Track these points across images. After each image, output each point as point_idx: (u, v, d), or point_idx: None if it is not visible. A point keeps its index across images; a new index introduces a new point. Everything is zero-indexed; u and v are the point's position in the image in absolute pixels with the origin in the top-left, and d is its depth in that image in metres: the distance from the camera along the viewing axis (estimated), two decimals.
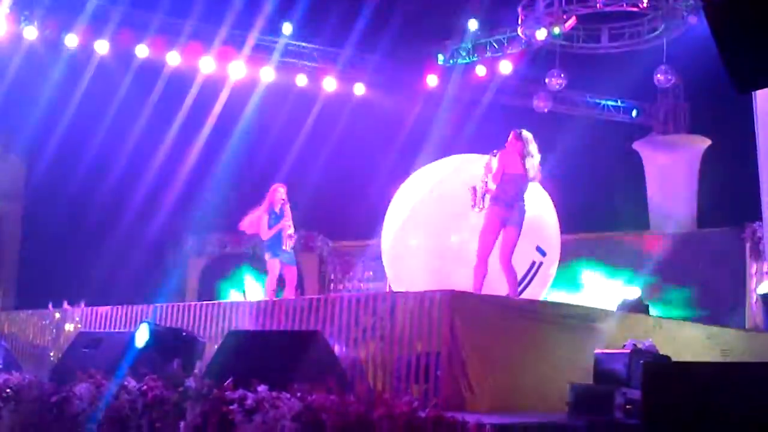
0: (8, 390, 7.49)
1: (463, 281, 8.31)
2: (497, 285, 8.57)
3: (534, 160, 8.75)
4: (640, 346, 6.26)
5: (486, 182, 8.75)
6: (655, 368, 4.10)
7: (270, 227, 11.03)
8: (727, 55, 3.79)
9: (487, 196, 8.70)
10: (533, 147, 8.81)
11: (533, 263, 9.39)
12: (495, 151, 8.78)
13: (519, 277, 8.85)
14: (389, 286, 10.98)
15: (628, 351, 6.17)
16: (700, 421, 3.64)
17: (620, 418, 5.65)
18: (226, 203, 16.43)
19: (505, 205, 8.54)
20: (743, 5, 3.82)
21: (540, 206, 9.55)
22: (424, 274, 9.39)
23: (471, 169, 9.34)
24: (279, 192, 11.16)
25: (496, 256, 8.57)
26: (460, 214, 9.15)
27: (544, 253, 9.48)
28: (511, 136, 8.85)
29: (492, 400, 6.56)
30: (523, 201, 8.65)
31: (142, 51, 15.50)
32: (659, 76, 15.52)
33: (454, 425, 5.12)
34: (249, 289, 13.43)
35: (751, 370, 4.00)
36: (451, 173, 9.93)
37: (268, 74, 16.50)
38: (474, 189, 8.79)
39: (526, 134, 8.83)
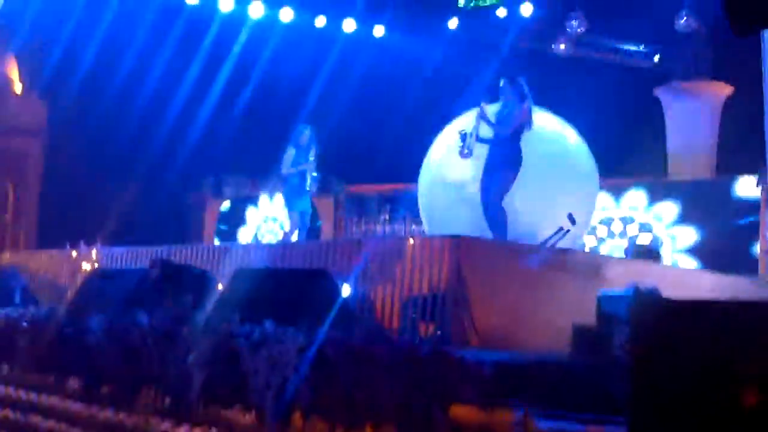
0: (24, 323, 7.68)
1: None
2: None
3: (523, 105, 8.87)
4: (641, 286, 6.31)
5: (476, 129, 8.86)
6: (643, 303, 4.15)
7: (293, 165, 11.16)
8: None
9: (475, 143, 8.81)
10: (522, 90, 8.91)
11: (560, 228, 9.27)
12: (483, 103, 8.91)
13: (543, 237, 8.95)
14: (409, 231, 11.12)
15: (629, 291, 6.22)
16: (687, 357, 3.69)
17: (619, 356, 5.71)
18: (246, 144, 16.52)
19: (499, 143, 8.70)
20: None
21: (587, 174, 9.56)
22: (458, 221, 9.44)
23: None
24: (304, 135, 11.27)
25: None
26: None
27: (574, 222, 9.38)
28: (502, 83, 9.00)
29: (496, 340, 6.68)
30: (518, 143, 8.76)
31: None
32: (681, 21, 15.35)
33: (453, 361, 5.21)
34: (264, 232, 13.54)
35: (743, 308, 4.02)
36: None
37: (287, 14, 16.43)
38: (464, 134, 8.88)
39: (515, 80, 8.92)
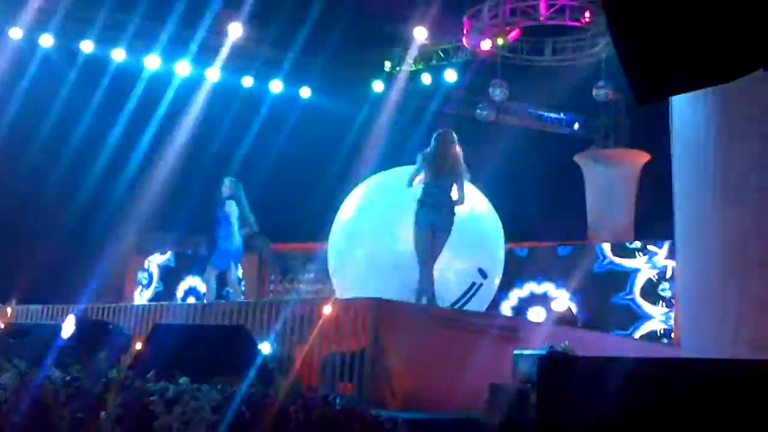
0: None
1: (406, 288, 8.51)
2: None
3: (449, 161, 8.76)
4: (555, 347, 6.43)
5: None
6: (549, 362, 4.25)
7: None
8: (628, 62, 3.85)
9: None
10: (450, 147, 8.82)
11: (473, 284, 9.45)
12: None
13: (456, 296, 9.01)
14: (330, 289, 11.08)
15: (544, 352, 6.33)
16: (593, 415, 3.78)
17: (534, 415, 5.79)
18: (172, 201, 16.39)
19: (430, 208, 8.62)
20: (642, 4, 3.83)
21: (488, 224, 9.65)
22: (368, 282, 9.44)
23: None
24: (225, 186, 11.17)
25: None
26: (404, 223, 9.32)
27: (485, 276, 9.52)
28: (433, 137, 8.93)
29: (413, 401, 6.71)
30: (451, 207, 8.68)
31: (87, 46, 15.43)
32: (598, 91, 15.86)
33: (367, 419, 5.23)
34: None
35: (649, 365, 4.14)
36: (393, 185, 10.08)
37: (214, 74, 16.50)
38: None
39: (446, 134, 8.90)
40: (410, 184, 8.78)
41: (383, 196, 10.00)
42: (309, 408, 5.39)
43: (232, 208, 11.05)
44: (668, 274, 13.27)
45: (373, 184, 10.46)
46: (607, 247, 14.11)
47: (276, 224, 17.06)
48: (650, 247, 13.73)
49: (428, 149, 8.82)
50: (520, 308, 14.30)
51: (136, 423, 6.01)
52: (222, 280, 11.35)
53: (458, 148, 8.82)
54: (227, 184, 11.22)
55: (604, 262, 14.01)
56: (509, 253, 11.17)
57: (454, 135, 8.93)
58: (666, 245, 13.39)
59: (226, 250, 11.03)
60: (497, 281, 10.10)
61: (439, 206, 8.64)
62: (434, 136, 8.92)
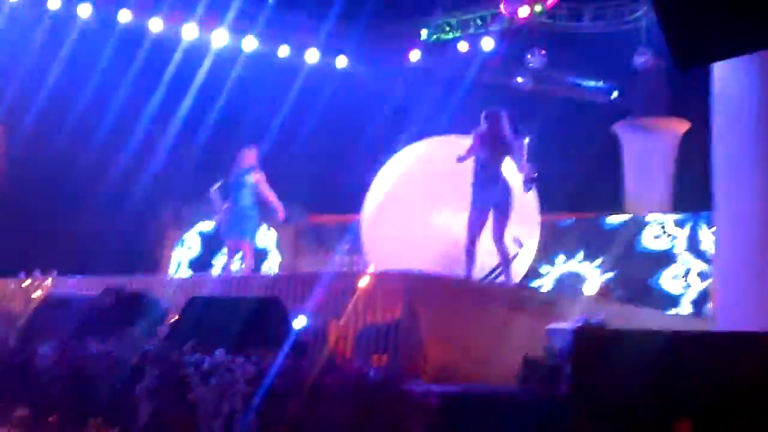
0: None
1: (444, 261, 8.53)
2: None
3: (505, 138, 8.83)
4: (590, 320, 6.38)
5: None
6: (584, 336, 4.21)
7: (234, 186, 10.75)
8: (669, 27, 3.78)
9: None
10: (504, 124, 8.88)
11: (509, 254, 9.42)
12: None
13: (492, 266, 8.99)
14: (365, 261, 11.09)
15: (578, 325, 6.28)
16: (627, 388, 3.75)
17: (567, 389, 5.76)
18: (208, 174, 16.46)
19: (483, 188, 8.66)
20: None
21: (523, 195, 9.61)
22: (405, 253, 9.44)
23: (451, 151, 9.45)
24: (248, 152, 10.88)
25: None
26: (441, 195, 9.30)
27: (521, 245, 9.51)
28: (482, 116, 8.95)
29: (447, 374, 6.70)
30: (504, 182, 8.73)
31: (124, 16, 15.48)
32: (638, 58, 15.61)
33: (401, 392, 5.23)
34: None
35: (684, 339, 4.10)
36: (431, 156, 10.04)
37: (250, 43, 16.48)
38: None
39: (495, 113, 8.90)
40: (462, 159, 8.80)
41: (419, 167, 9.97)
42: (343, 380, 5.40)
43: (255, 178, 10.74)
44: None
45: (408, 156, 10.42)
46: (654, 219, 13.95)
47: (312, 195, 17.13)
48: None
49: (480, 129, 8.84)
50: (558, 281, 14.26)
51: (172, 394, 6.07)
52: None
53: (507, 125, 8.87)
54: (255, 151, 10.96)
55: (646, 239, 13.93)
56: (546, 225, 11.12)
57: (504, 112, 8.94)
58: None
59: (250, 217, 10.75)
60: (534, 252, 10.08)
61: (497, 185, 8.70)
62: (484, 115, 8.91)
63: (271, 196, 10.79)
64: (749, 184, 8.26)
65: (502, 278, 9.01)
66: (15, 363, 7.30)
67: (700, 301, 13.32)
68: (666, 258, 13.73)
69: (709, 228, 13.16)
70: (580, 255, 14.30)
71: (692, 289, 13.51)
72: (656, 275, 13.73)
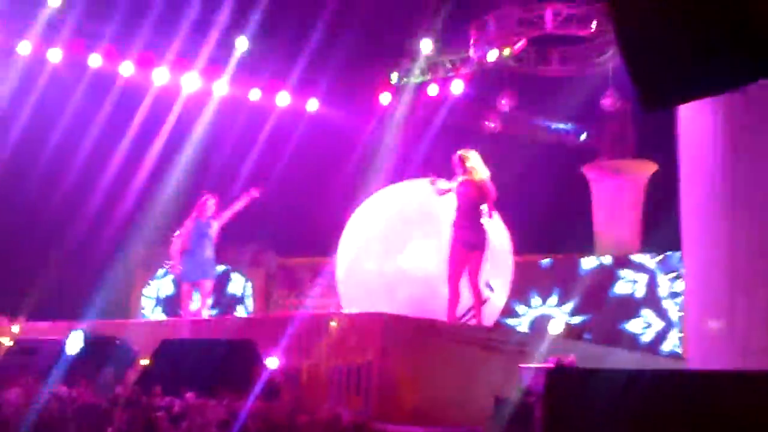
0: None
1: (416, 303, 8.54)
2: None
3: (480, 175, 8.91)
4: (562, 360, 6.40)
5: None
6: (556, 375, 4.22)
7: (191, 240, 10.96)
8: (635, 70, 3.82)
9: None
10: (478, 165, 8.96)
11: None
12: (433, 179, 9.00)
13: (464, 310, 9.01)
14: (337, 303, 11.05)
15: (551, 365, 6.29)
16: (599, 428, 3.75)
17: (538, 429, 5.75)
18: (179, 215, 16.40)
19: (467, 230, 8.72)
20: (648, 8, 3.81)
21: (496, 239, 9.66)
22: (378, 296, 9.42)
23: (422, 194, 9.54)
24: (209, 203, 11.13)
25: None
26: (411, 238, 9.35)
27: (492, 290, 9.53)
28: (456, 159, 9.02)
29: (420, 415, 6.69)
30: (482, 223, 8.81)
31: (95, 60, 15.49)
32: (605, 100, 15.82)
33: None
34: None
35: (656, 378, 4.12)
36: (403, 199, 10.10)
37: (221, 87, 16.54)
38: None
39: (467, 155, 8.98)
40: (441, 193, 8.91)
41: (392, 211, 10.00)
42: (315, 422, 5.37)
43: (214, 228, 11.06)
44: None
45: (382, 198, 10.44)
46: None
47: (283, 238, 17.10)
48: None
49: (460, 172, 8.94)
50: (532, 323, 14.36)
51: None
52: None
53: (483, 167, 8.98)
54: (212, 204, 11.20)
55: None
56: (522, 265, 11.19)
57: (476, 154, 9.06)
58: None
59: (212, 262, 11.03)
60: (505, 295, 10.10)
61: (475, 225, 8.77)
62: (459, 157, 8.99)
63: (230, 213, 11.09)
64: (717, 224, 8.35)
65: (473, 321, 9.02)
66: None
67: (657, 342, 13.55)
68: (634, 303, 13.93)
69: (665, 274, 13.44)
70: (555, 298, 14.42)
71: (651, 330, 13.73)
72: (626, 320, 13.92)
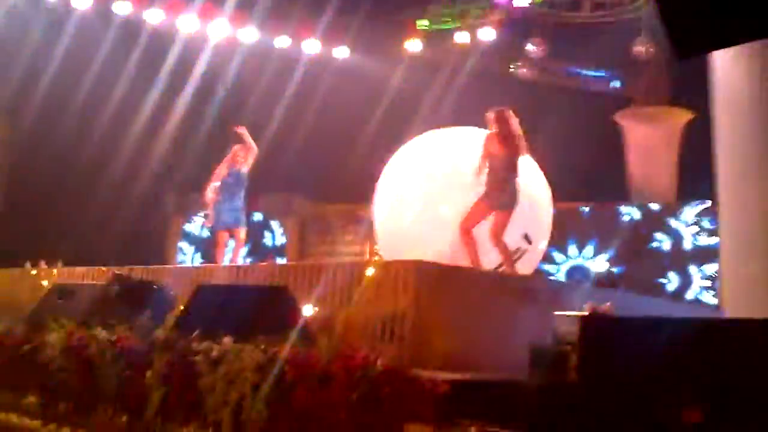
0: None
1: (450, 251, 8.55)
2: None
3: (517, 138, 8.81)
4: (597, 308, 6.40)
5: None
6: (590, 323, 4.25)
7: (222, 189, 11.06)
8: (668, 16, 3.77)
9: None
10: (514, 124, 8.86)
11: (517, 249, 9.33)
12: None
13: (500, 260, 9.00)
14: (370, 249, 11.09)
15: (586, 313, 6.30)
16: (633, 376, 3.78)
17: (574, 377, 5.79)
18: (210, 163, 16.49)
19: (497, 189, 8.67)
20: None
21: (537, 192, 9.59)
22: (419, 245, 9.39)
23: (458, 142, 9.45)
24: (239, 154, 11.20)
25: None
26: (451, 186, 9.29)
27: (530, 242, 9.42)
28: (492, 117, 8.91)
29: (455, 363, 6.74)
30: (515, 182, 8.74)
31: (122, 8, 15.46)
32: (638, 47, 15.60)
33: (408, 379, 5.27)
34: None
35: (692, 326, 4.13)
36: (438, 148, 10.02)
37: (250, 34, 16.48)
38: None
39: (504, 114, 8.88)
40: (480, 173, 8.81)
41: (430, 160, 9.91)
42: (350, 368, 5.44)
43: (245, 177, 11.14)
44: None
45: (419, 146, 10.34)
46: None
47: (314, 185, 17.17)
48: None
49: (490, 132, 8.84)
50: (569, 272, 14.38)
51: (182, 382, 6.11)
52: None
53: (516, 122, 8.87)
54: (242, 155, 11.24)
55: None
56: (560, 212, 11.13)
57: (509, 111, 8.93)
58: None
59: (245, 210, 11.20)
60: (544, 246, 10.04)
61: (507, 188, 8.72)
62: (494, 117, 8.89)
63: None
64: (751, 171, 8.31)
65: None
66: (23, 352, 7.34)
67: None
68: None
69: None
70: (592, 246, 14.41)
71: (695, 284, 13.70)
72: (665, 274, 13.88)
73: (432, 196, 9.46)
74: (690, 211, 14.07)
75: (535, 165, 9.79)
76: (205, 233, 16.91)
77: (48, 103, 15.50)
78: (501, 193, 8.68)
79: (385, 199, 10.06)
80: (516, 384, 5.84)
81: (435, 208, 9.41)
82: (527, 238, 9.30)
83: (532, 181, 9.48)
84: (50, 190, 15.80)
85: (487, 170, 8.75)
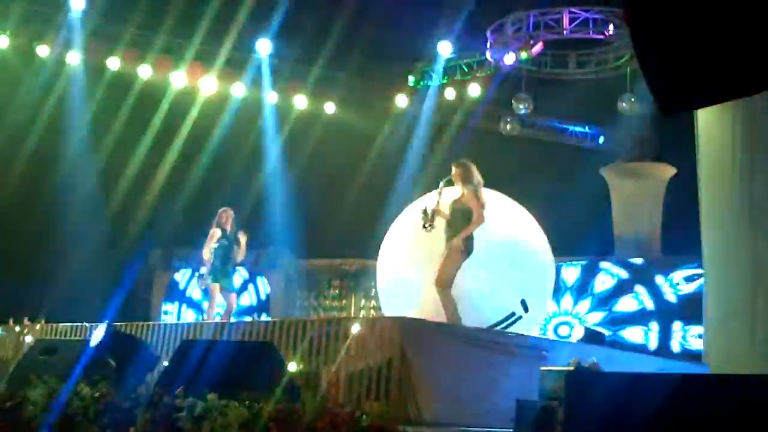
0: None
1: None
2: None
3: (469, 187, 8.83)
4: (583, 363, 6.40)
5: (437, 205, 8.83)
6: (576, 379, 4.23)
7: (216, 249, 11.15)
8: (652, 74, 3.81)
9: (437, 216, 8.78)
10: (470, 174, 8.87)
11: (512, 314, 9.21)
12: (443, 180, 8.89)
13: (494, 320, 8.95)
14: (355, 304, 11.06)
15: (571, 369, 6.30)
16: (620, 430, 3.76)
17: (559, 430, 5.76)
18: (196, 217, 16.48)
19: (470, 240, 8.68)
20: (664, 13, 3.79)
21: (542, 258, 9.56)
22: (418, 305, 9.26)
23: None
24: (228, 214, 11.28)
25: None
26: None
27: (527, 309, 9.27)
28: (459, 170, 8.90)
29: (440, 419, 6.69)
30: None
31: (113, 63, 15.56)
32: (623, 104, 15.78)
33: None
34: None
35: (674, 381, 4.11)
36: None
37: (239, 90, 16.59)
38: (425, 210, 8.84)
39: (459, 166, 8.91)
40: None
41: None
42: (336, 425, 5.40)
43: (241, 239, 11.25)
44: None
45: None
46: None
47: (301, 240, 17.13)
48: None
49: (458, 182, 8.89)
50: (555, 327, 14.38)
51: None
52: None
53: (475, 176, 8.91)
54: (230, 215, 11.34)
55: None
56: None
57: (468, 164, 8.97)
58: None
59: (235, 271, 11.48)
60: (547, 310, 9.91)
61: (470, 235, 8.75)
62: (453, 168, 8.93)
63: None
64: (737, 227, 8.36)
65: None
66: (5, 408, 7.25)
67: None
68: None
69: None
70: (578, 302, 14.42)
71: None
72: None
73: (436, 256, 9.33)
74: (677, 273, 14.11)
75: (541, 231, 9.76)
76: (195, 292, 16.87)
77: (33, 158, 15.50)
78: (471, 241, 8.67)
79: (388, 259, 9.95)
80: None
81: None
82: (524, 306, 9.19)
83: (539, 245, 9.47)
84: (34, 245, 15.72)
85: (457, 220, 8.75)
